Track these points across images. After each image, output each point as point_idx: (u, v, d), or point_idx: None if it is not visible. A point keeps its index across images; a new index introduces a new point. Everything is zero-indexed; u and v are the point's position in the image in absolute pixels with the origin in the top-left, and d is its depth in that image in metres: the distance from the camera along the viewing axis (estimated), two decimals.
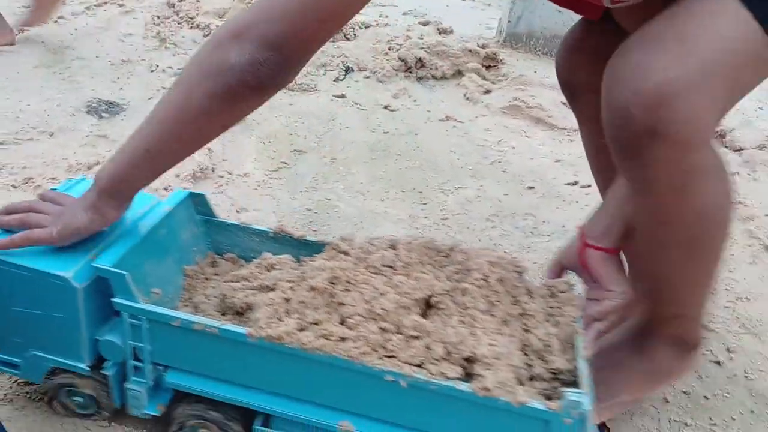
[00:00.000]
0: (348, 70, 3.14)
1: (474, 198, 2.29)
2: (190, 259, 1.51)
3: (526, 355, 1.32)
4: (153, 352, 1.32)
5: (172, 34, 3.26)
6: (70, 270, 1.24)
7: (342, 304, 1.24)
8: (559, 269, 1.28)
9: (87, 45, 3.17)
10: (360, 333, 1.21)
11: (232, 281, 1.40)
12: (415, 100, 2.98)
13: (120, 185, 1.10)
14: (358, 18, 3.60)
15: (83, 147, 2.33)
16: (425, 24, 3.59)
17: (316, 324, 1.23)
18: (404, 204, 2.23)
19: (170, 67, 2.97)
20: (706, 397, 1.49)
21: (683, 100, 0.71)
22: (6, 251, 1.27)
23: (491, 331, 1.29)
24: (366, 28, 3.42)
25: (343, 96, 2.94)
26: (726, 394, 1.51)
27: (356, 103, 2.90)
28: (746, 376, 1.57)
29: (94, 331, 1.33)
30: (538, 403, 1.14)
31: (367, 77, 3.14)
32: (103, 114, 2.55)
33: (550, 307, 1.40)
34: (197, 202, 1.54)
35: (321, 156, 2.49)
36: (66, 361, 1.35)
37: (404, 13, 4.01)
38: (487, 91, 3.02)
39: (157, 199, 1.51)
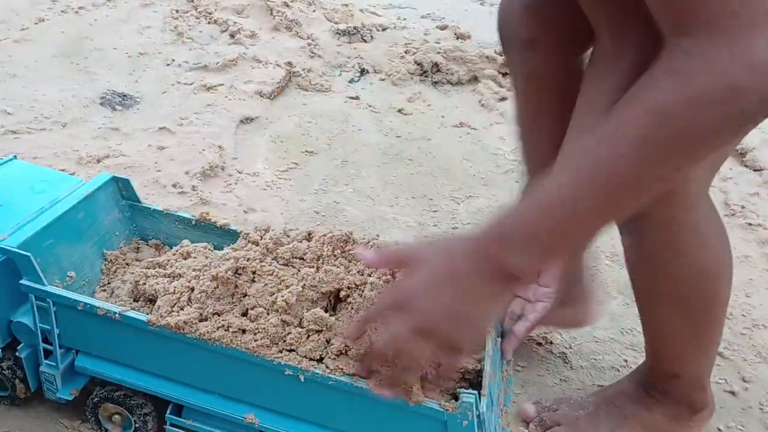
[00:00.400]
0: (363, 72, 3.12)
1: (485, 207, 2.26)
2: (112, 244, 1.50)
3: (433, 352, 1.30)
4: (61, 336, 1.34)
5: (190, 29, 3.26)
6: None
7: (245, 295, 1.23)
8: None
9: (106, 36, 3.18)
10: (260, 325, 1.21)
11: (148, 268, 1.40)
12: (429, 105, 2.96)
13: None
14: (376, 20, 3.58)
15: (95, 139, 2.33)
16: (443, 28, 3.57)
17: (217, 314, 1.24)
18: (414, 210, 2.21)
19: (186, 62, 2.97)
20: (719, 429, 1.44)
21: None
22: None
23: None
24: (383, 30, 3.40)
25: (357, 98, 2.92)
26: (740, 427, 1.46)
27: (370, 106, 2.88)
28: (761, 408, 1.52)
29: (9, 313, 1.35)
30: (433, 404, 1.13)
31: (382, 80, 3.12)
32: (117, 106, 2.55)
33: None
34: (122, 186, 1.54)
35: (332, 158, 2.47)
36: None
37: (422, 17, 3.98)
38: (503, 99, 2.99)
39: (80, 181, 1.48)
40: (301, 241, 1.34)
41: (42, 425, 1.33)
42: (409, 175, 2.42)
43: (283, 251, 1.33)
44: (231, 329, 1.19)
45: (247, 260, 1.29)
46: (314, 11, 3.49)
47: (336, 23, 3.42)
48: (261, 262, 1.30)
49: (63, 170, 2.10)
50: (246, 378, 1.24)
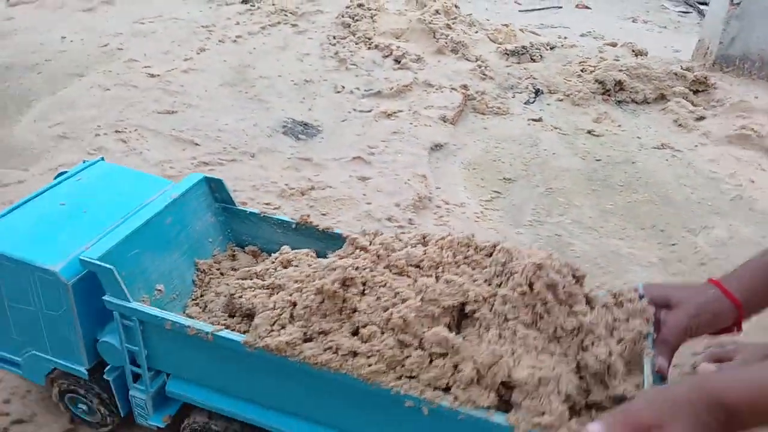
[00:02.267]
0: (538, 93, 2.90)
1: (727, 240, 1.98)
2: (205, 252, 1.29)
3: (581, 378, 1.03)
4: (149, 357, 1.13)
5: (352, 54, 3.14)
6: (57, 263, 1.08)
7: (355, 310, 1.00)
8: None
9: (267, 64, 3.11)
10: (374, 347, 0.97)
11: (244, 278, 1.20)
12: (619, 125, 2.71)
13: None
14: (538, 39, 3.37)
15: (287, 170, 2.20)
16: (614, 45, 3.32)
17: (323, 334, 1.00)
18: (648, 244, 1.95)
19: (357, 89, 2.84)
20: None
21: None
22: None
23: (536, 350, 1.01)
24: (551, 49, 3.19)
25: (539, 120, 2.70)
26: None
27: (555, 128, 2.65)
28: None
29: (95, 331, 1.15)
30: None
31: (560, 100, 2.90)
32: (300, 135, 2.43)
33: (615, 320, 1.11)
34: (215, 187, 1.34)
35: (533, 185, 2.25)
36: (65, 363, 1.19)
37: (582, 35, 3.75)
38: (701, 118, 2.70)
39: (170, 183, 1.32)
40: (415, 246, 1.13)
41: None
42: (626, 203, 2.16)
43: (396, 258, 1.10)
44: (340, 352, 0.98)
45: (356, 269, 1.06)
46: (477, 32, 3.31)
47: (500, 43, 3.23)
48: (372, 271, 1.08)
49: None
50: (358, 408, 1.03)
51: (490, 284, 1.10)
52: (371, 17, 3.35)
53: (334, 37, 3.32)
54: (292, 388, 1.11)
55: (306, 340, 1.04)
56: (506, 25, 3.36)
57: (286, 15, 3.71)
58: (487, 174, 2.30)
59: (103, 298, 1.14)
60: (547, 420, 0.95)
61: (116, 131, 2.28)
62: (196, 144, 2.27)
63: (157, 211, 1.26)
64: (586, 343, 1.09)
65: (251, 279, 1.25)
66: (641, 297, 1.18)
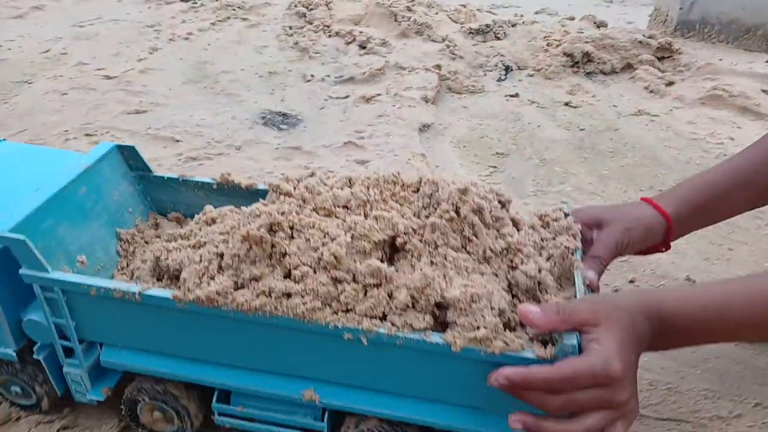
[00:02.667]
0: (508, 69, 2.89)
1: None
2: (126, 222, 1.26)
3: (514, 296, 1.08)
4: (78, 329, 1.09)
5: (313, 43, 3.05)
6: None
7: (284, 254, 1.00)
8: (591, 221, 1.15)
9: (226, 59, 2.98)
10: (307, 286, 0.98)
11: (169, 241, 1.17)
12: (593, 96, 2.73)
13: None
14: (503, 16, 3.37)
15: (278, 160, 2.10)
16: (572, 19, 3.35)
17: (254, 280, 1.00)
18: None
19: (328, 76, 2.76)
20: None
21: None
22: None
23: (467, 271, 1.05)
24: (513, 26, 3.18)
25: (516, 95, 2.70)
26: None
27: (533, 102, 2.65)
28: None
29: (18, 312, 1.10)
30: (528, 352, 0.89)
31: (531, 75, 2.90)
32: (281, 126, 2.33)
33: (542, 239, 1.16)
34: (128, 155, 1.30)
35: (527, 158, 2.24)
36: None
37: (536, 12, 3.78)
38: (670, 83, 2.76)
39: (79, 155, 1.25)
40: (342, 188, 1.12)
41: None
42: (621, 168, 2.18)
43: (323, 200, 1.09)
44: (274, 294, 0.97)
45: (282, 214, 1.05)
46: (437, 14, 3.28)
47: (463, 23, 3.21)
48: (299, 214, 1.07)
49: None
50: (299, 349, 1.01)
51: (418, 217, 1.08)
52: (326, 5, 3.27)
53: (290, 28, 3.22)
54: (229, 340, 1.05)
55: (237, 289, 0.98)
56: (464, 6, 3.34)
57: (233, 10, 3.59)
58: (478, 151, 2.26)
59: (20, 272, 1.04)
60: (482, 333, 0.94)
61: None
62: (177, 141, 2.14)
63: (69, 181, 1.16)
64: (516, 262, 1.09)
65: (176, 241, 1.18)
66: (566, 215, 1.19)
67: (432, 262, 1.02)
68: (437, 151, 2.22)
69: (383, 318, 0.98)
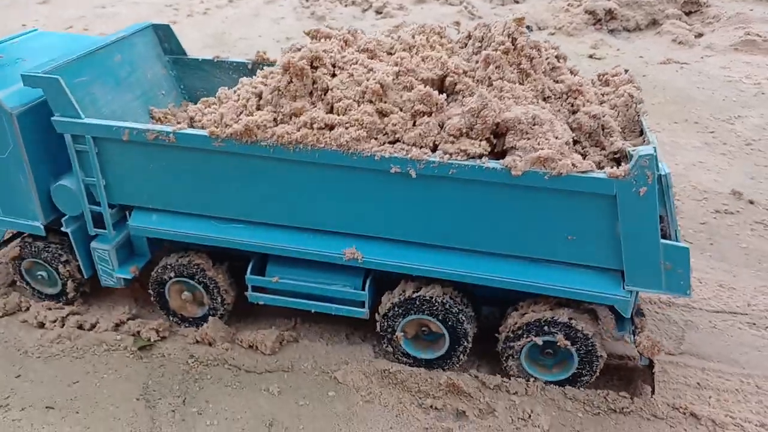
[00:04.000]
0: (529, 29, 2.80)
1: (765, 125, 1.91)
2: (159, 102, 1.22)
3: (576, 142, 0.97)
4: (108, 188, 1.02)
5: (329, 11, 3.02)
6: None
7: (327, 90, 0.93)
8: None
9: (243, 30, 2.96)
10: (352, 117, 0.89)
11: (204, 107, 1.11)
12: (618, 49, 2.64)
13: None
14: None
15: None
16: None
17: (295, 115, 0.92)
18: (687, 134, 1.88)
19: None
20: None
21: None
22: None
23: (526, 100, 0.96)
24: None
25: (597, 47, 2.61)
26: None
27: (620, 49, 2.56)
28: None
29: (47, 181, 1.05)
30: (599, 173, 0.80)
31: (552, 33, 2.82)
32: None
33: (603, 94, 1.09)
34: (163, 36, 1.28)
35: (713, 103, 2.16)
36: (19, 222, 1.10)
37: None
38: (699, 35, 2.66)
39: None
40: (388, 36, 1.06)
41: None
42: (652, 106, 2.09)
43: (366, 41, 1.05)
44: (316, 125, 0.90)
45: (324, 51, 0.99)
46: None
47: None
48: (341, 52, 1.02)
49: None
50: (341, 195, 0.92)
51: (469, 61, 1.00)
52: None
53: (306, 0, 3.20)
54: (266, 191, 0.98)
55: (278, 124, 0.91)
56: None
57: None
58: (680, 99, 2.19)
59: (52, 119, 0.99)
60: (546, 152, 0.84)
61: None
62: None
63: (103, 44, 1.14)
64: (577, 104, 1.01)
65: (210, 106, 1.14)
66: (626, 71, 1.14)
67: (466, 92, 0.95)
68: None
69: (434, 149, 0.91)
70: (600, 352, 1.02)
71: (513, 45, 0.97)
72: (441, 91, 0.95)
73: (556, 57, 1.08)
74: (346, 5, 3.10)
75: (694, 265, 1.32)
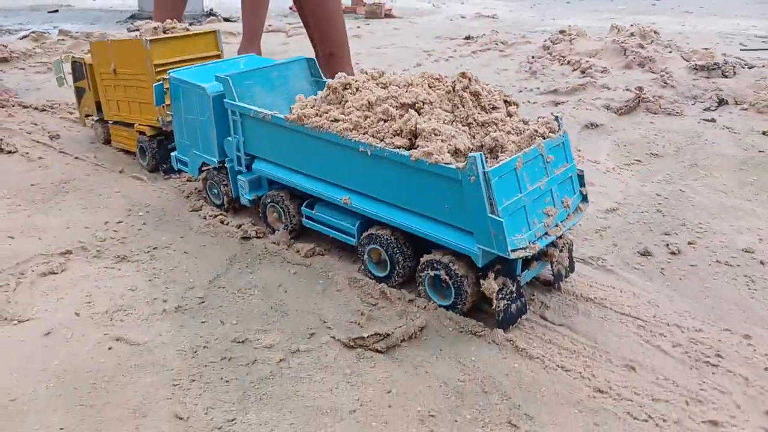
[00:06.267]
0: (721, 102, 2.92)
1: None
2: None
3: (483, 151, 1.49)
4: (245, 143, 2.03)
5: (543, 68, 3.46)
6: (206, 84, 1.96)
7: (346, 101, 1.36)
8: None
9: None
10: (350, 117, 1.65)
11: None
12: None
13: None
14: (737, 61, 3.36)
15: None
16: None
17: (325, 113, 1.73)
18: None
19: (537, 88, 3.14)
20: None
21: None
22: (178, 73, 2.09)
23: (443, 121, 1.50)
24: (749, 68, 3.17)
25: (712, 120, 2.74)
26: None
27: (728, 128, 2.67)
28: None
29: (222, 137, 2.02)
30: (453, 165, 1.41)
31: (744, 109, 2.88)
32: None
33: (534, 130, 1.52)
34: (311, 65, 1.89)
35: (678, 161, 2.34)
36: (208, 157, 1.76)
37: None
38: None
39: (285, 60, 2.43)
40: (399, 76, 1.53)
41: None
42: None
43: (385, 78, 1.59)
44: (330, 120, 1.40)
45: (354, 80, 1.47)
46: (671, 52, 3.42)
47: (693, 62, 3.30)
48: (365, 82, 1.55)
49: None
50: (338, 161, 1.72)
51: (440, 98, 1.53)
52: (570, 41, 3.65)
53: (533, 57, 3.68)
54: (308, 154, 1.68)
55: (316, 116, 1.58)
56: (707, 48, 3.42)
57: (496, 44, 4.17)
58: (635, 149, 2.45)
59: (224, 100, 1.82)
60: (429, 149, 1.38)
61: None
62: None
63: (267, 65, 1.94)
64: (490, 130, 1.51)
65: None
66: (557, 118, 1.58)
67: (423, 114, 1.51)
68: (591, 143, 2.47)
69: (382, 140, 1.51)
70: (467, 288, 1.47)
71: (453, 88, 1.51)
72: (412, 108, 1.50)
73: (505, 101, 1.57)
74: (561, 64, 3.50)
75: (648, 287, 1.56)
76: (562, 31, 3.74)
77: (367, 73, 1.66)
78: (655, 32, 3.50)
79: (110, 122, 2.89)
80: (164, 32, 2.52)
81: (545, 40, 3.89)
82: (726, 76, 3.11)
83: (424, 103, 1.46)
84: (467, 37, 4.52)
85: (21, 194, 2.43)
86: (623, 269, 1.66)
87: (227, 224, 1.88)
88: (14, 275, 1.74)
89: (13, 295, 1.64)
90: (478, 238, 1.40)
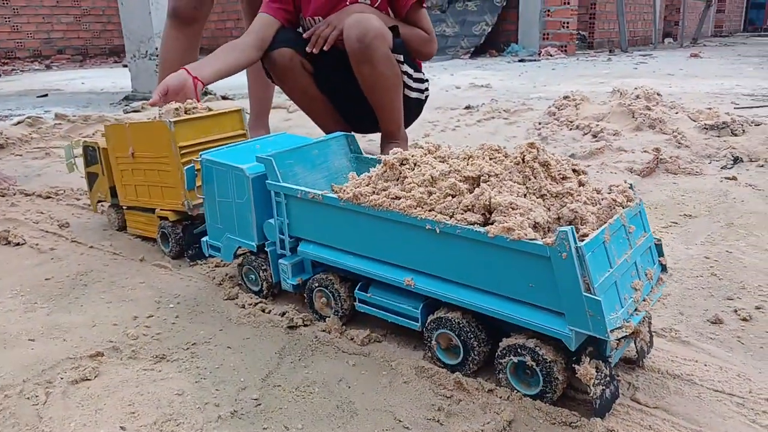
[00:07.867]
0: (737, 160, 2.96)
1: None
2: (340, 181, 1.65)
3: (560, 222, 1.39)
4: (289, 225, 1.76)
5: (553, 133, 3.50)
6: (244, 165, 1.77)
7: (405, 177, 1.50)
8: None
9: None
10: (411, 194, 1.46)
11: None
12: None
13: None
14: (749, 118, 3.43)
15: None
16: None
17: (383, 189, 1.53)
18: None
19: (552, 154, 3.16)
20: None
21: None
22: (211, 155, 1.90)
23: (517, 194, 1.39)
24: (757, 125, 3.24)
25: (734, 178, 2.76)
26: None
27: (751, 185, 2.69)
28: None
29: (262, 219, 1.80)
30: (537, 241, 1.24)
31: (761, 165, 2.92)
32: None
33: (612, 200, 1.43)
34: (350, 142, 1.82)
35: (714, 221, 2.33)
36: (244, 241, 1.84)
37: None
38: None
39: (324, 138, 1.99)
40: (457, 150, 1.61)
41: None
42: None
43: (442, 152, 1.54)
44: (389, 197, 1.47)
45: (411, 156, 1.55)
46: (677, 113, 3.49)
47: (701, 122, 3.37)
48: (423, 156, 1.52)
49: None
50: (401, 240, 1.51)
51: (506, 170, 1.47)
52: (575, 106, 3.72)
53: (540, 123, 3.73)
54: (363, 233, 1.59)
55: (373, 194, 1.50)
56: (710, 108, 3.50)
57: (500, 112, 4.23)
58: (667, 210, 2.44)
59: (266, 182, 1.75)
60: (509, 225, 1.31)
61: None
62: None
63: (307, 143, 1.87)
64: (566, 201, 1.44)
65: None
66: (631, 186, 1.50)
67: (491, 187, 1.45)
68: None
69: (451, 216, 1.45)
70: (558, 375, 1.23)
71: (522, 159, 1.45)
72: (477, 183, 1.43)
73: (574, 170, 1.50)
74: (570, 129, 3.55)
75: (731, 358, 1.51)
76: (566, 97, 3.81)
77: (423, 148, 1.59)
78: (658, 94, 3.58)
79: (125, 208, 2.82)
80: (185, 113, 2.46)
81: (550, 106, 3.95)
82: (735, 134, 3.16)
83: (489, 176, 1.40)
84: (467, 107, 4.58)
85: (36, 290, 2.28)
86: (699, 339, 1.60)
87: (269, 312, 1.75)
88: (41, 384, 1.55)
89: (45, 409, 1.44)
90: (570, 320, 1.32)
